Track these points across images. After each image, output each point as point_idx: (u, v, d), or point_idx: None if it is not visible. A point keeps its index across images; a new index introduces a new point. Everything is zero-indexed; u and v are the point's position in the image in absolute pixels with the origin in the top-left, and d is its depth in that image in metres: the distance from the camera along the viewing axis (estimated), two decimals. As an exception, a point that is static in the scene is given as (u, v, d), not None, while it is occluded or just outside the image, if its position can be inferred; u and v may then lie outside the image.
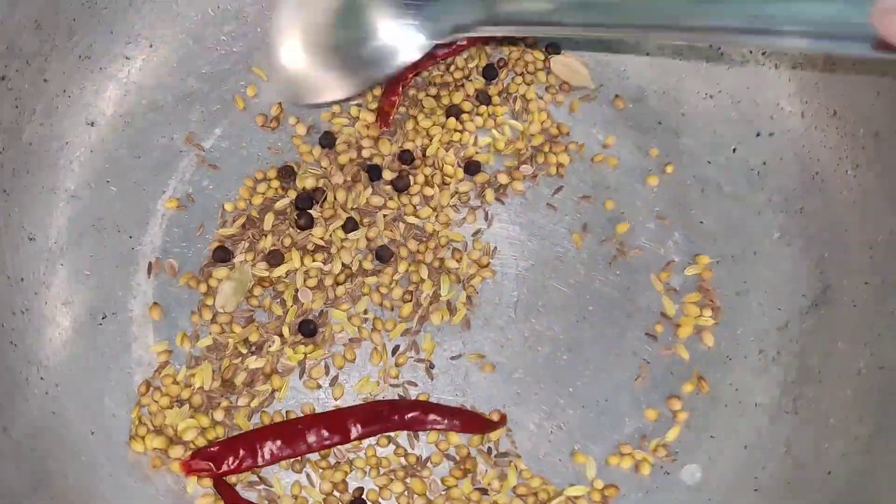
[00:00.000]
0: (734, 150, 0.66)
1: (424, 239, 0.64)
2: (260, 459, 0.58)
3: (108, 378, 0.60)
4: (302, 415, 0.60)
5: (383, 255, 0.63)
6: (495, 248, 0.64)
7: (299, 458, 0.59)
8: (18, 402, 0.56)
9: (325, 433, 0.59)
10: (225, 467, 0.57)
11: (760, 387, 0.61)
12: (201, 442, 0.58)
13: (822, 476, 0.56)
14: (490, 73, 0.67)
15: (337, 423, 0.59)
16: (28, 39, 0.60)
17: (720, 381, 0.62)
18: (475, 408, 0.61)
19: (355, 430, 0.59)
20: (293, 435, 0.58)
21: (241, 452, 0.58)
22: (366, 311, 0.62)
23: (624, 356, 0.62)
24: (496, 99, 0.66)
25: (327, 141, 0.65)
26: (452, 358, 0.62)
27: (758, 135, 0.66)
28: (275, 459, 0.58)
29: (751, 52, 0.66)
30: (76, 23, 0.62)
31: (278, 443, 0.58)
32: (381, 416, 0.59)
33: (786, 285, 0.63)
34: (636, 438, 0.61)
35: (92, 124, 0.64)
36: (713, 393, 0.62)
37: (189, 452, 0.58)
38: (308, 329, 0.61)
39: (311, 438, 0.59)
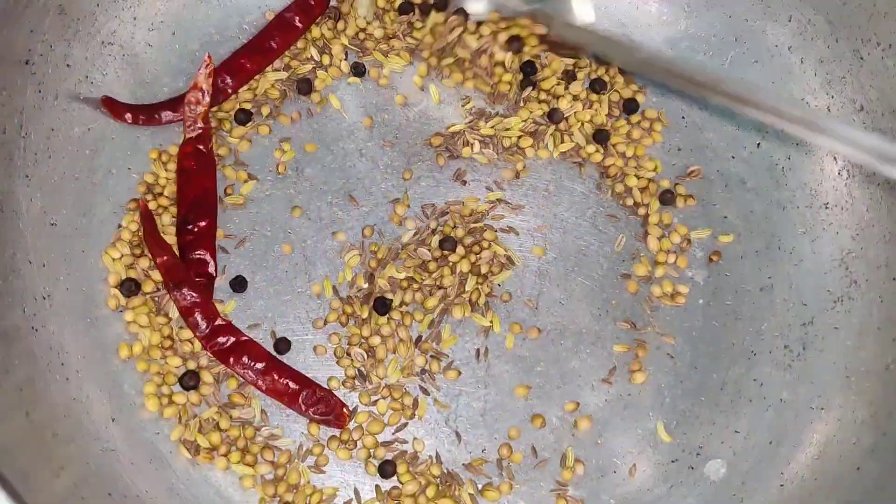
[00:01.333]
0: (758, 144, 0.66)
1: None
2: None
3: (128, 365, 0.59)
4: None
5: (447, 244, 0.63)
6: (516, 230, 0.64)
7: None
8: (40, 387, 0.55)
9: None
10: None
11: (785, 382, 0.61)
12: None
13: (851, 472, 0.56)
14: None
15: None
16: (52, 24, 0.59)
17: (744, 376, 0.61)
18: (498, 401, 0.61)
19: None
20: None
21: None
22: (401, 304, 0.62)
23: (648, 351, 0.62)
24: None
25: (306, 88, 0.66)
26: (476, 351, 0.61)
27: (783, 130, 0.65)
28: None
29: (776, 45, 0.65)
30: (99, 8, 0.62)
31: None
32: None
33: (810, 281, 0.63)
34: (661, 433, 0.60)
35: (114, 111, 0.64)
36: (737, 388, 0.61)
37: None
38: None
39: None
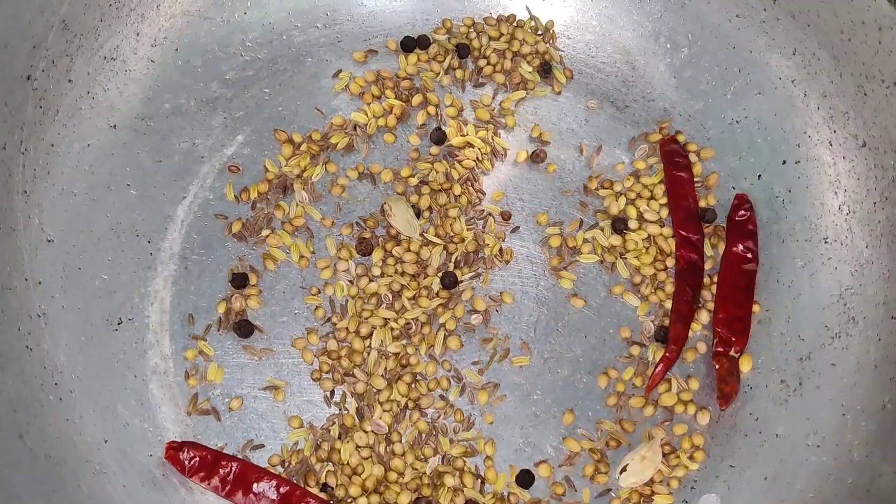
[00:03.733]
0: (759, 176, 0.66)
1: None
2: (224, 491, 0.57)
3: (122, 385, 0.59)
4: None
5: (449, 283, 0.62)
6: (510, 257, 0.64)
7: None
8: (33, 408, 0.55)
9: None
10: (194, 476, 0.58)
11: (781, 417, 0.61)
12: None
13: (845, 511, 0.56)
14: None
15: None
16: (55, 39, 0.59)
17: (740, 410, 0.61)
18: (493, 429, 0.60)
19: None
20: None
21: (223, 473, 0.57)
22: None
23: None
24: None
25: None
26: (475, 373, 0.61)
27: (784, 162, 0.65)
28: (228, 495, 0.57)
29: (780, 78, 0.65)
30: (103, 24, 0.62)
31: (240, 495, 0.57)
32: None
33: (808, 315, 0.62)
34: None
35: (114, 127, 0.63)
36: (733, 422, 0.61)
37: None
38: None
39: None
